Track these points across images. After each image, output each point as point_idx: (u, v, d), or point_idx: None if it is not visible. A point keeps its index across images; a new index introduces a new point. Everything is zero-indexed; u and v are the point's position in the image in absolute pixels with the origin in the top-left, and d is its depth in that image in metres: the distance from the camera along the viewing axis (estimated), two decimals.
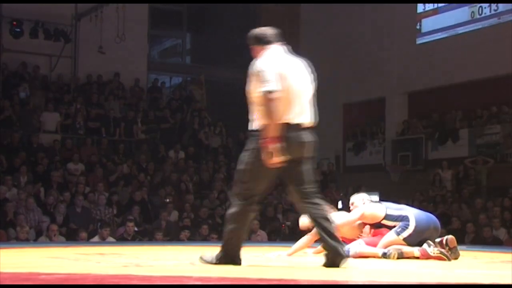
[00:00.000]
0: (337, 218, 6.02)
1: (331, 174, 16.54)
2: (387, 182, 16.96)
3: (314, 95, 4.77)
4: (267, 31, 4.81)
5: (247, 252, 6.56)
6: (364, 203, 6.50)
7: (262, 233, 12.49)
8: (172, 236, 12.17)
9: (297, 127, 4.57)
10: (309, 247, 6.51)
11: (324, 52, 19.01)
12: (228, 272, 4.23)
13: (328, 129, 18.86)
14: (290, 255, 6.28)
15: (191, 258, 5.60)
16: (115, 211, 12.66)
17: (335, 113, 18.82)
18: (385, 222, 6.18)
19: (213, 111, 18.13)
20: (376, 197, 17.11)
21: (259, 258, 5.90)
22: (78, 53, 17.02)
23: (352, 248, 5.98)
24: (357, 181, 16.39)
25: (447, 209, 13.86)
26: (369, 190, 16.16)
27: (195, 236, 12.14)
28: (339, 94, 18.60)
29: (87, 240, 10.93)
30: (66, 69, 16.97)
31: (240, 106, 23.97)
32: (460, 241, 11.86)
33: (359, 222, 6.33)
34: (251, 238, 12.25)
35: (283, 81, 4.50)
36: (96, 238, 11.06)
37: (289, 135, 4.52)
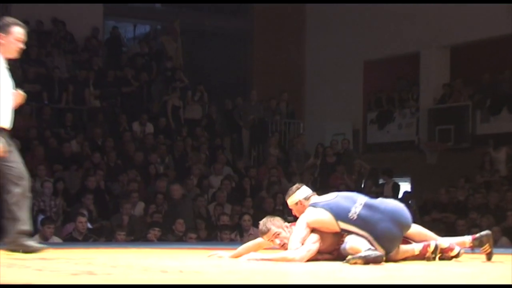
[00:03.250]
0: (290, 243, 6.25)
1: (346, 154, 16.57)
2: (421, 164, 17.02)
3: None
4: None
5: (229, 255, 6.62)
6: (302, 205, 6.43)
7: (256, 232, 12.55)
8: (138, 235, 12.21)
9: None
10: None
11: None
12: (209, 280, 4.28)
13: (343, 94, 18.91)
14: (233, 257, 6.60)
15: (163, 264, 5.63)
16: (61, 203, 12.69)
17: (353, 74, 18.82)
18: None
19: (191, 71, 18.09)
20: (407, 185, 17.19)
21: (235, 262, 5.96)
22: None
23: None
24: (381, 163, 16.43)
25: (500, 200, 13.94)
26: (398, 176, 16.29)
27: (168, 235, 12.19)
28: (359, 49, 18.58)
29: None
30: None
31: (226, 65, 23.87)
32: None
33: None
34: (243, 238, 12.31)
35: None
36: (36, 238, 11.09)
37: None
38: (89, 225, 11.98)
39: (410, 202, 15.37)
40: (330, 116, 19.11)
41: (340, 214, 6.19)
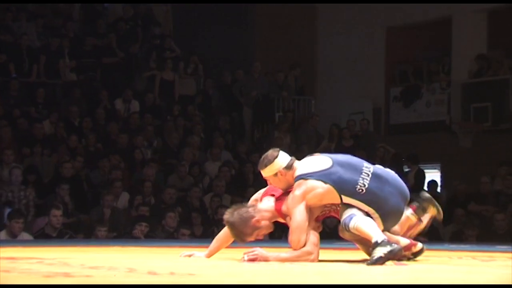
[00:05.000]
0: (294, 235, 6.00)
1: (366, 136, 16.56)
2: (454, 148, 17.01)
3: None
4: None
5: (228, 254, 6.63)
6: (283, 175, 6.13)
7: None
8: (121, 231, 12.23)
9: None
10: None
11: None
12: (205, 284, 4.30)
13: (362, 67, 18.87)
14: (209, 256, 6.59)
15: (151, 265, 5.64)
16: (32, 194, 12.70)
17: (373, 43, 18.79)
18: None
19: (183, 39, 18.05)
20: (437, 173, 17.17)
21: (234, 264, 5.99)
22: None
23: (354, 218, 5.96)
24: (406, 147, 16.40)
25: None
26: (426, 162, 16.26)
27: (157, 232, 12.21)
28: (381, 14, 18.54)
29: None
30: None
31: (225, 32, 23.86)
32: None
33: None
34: None
35: None
36: (3, 235, 11.12)
37: None
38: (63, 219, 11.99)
39: (439, 192, 15.38)
40: (346, 92, 19.08)
41: (345, 188, 5.97)
